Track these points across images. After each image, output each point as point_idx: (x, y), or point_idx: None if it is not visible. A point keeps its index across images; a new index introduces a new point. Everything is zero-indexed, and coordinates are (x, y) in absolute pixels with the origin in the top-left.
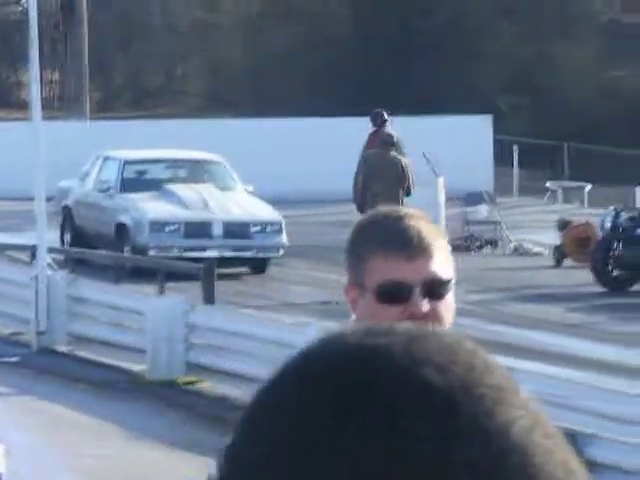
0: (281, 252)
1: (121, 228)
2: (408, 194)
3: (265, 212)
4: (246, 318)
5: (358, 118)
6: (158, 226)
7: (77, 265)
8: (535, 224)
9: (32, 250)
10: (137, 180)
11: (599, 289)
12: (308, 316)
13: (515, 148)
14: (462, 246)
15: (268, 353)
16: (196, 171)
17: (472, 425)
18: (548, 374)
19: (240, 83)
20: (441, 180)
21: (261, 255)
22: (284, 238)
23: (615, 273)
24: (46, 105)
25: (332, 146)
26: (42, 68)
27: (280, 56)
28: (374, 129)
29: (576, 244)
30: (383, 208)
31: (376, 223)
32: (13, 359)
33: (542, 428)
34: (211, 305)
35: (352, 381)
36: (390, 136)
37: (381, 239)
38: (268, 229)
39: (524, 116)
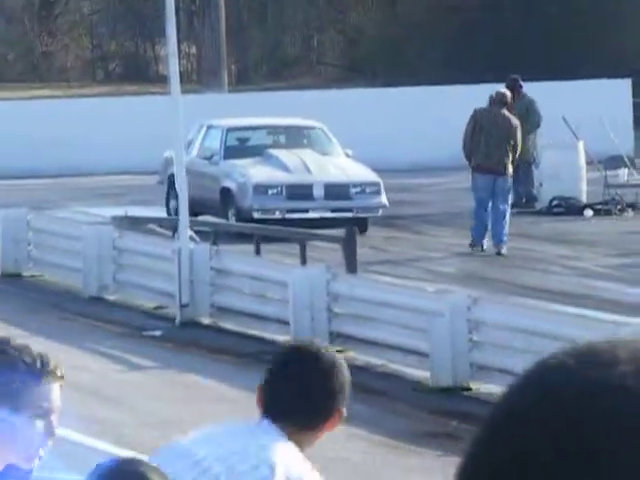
0: (380, 212)
1: (226, 193)
2: (515, 154)
3: (364, 174)
4: (388, 286)
5: (492, 85)
6: (262, 189)
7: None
8: None
9: (174, 223)
10: (239, 147)
11: None
12: (447, 283)
13: None
14: (603, 210)
15: (411, 321)
16: (296, 137)
17: None
18: None
19: (377, 53)
20: (581, 144)
21: (361, 215)
22: (384, 199)
23: None
24: (184, 78)
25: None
26: (179, 41)
27: (416, 25)
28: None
29: None
30: None
31: None
32: (157, 332)
33: None
34: (353, 274)
35: (587, 416)
36: (503, 95)
37: None
38: (367, 190)
39: None
